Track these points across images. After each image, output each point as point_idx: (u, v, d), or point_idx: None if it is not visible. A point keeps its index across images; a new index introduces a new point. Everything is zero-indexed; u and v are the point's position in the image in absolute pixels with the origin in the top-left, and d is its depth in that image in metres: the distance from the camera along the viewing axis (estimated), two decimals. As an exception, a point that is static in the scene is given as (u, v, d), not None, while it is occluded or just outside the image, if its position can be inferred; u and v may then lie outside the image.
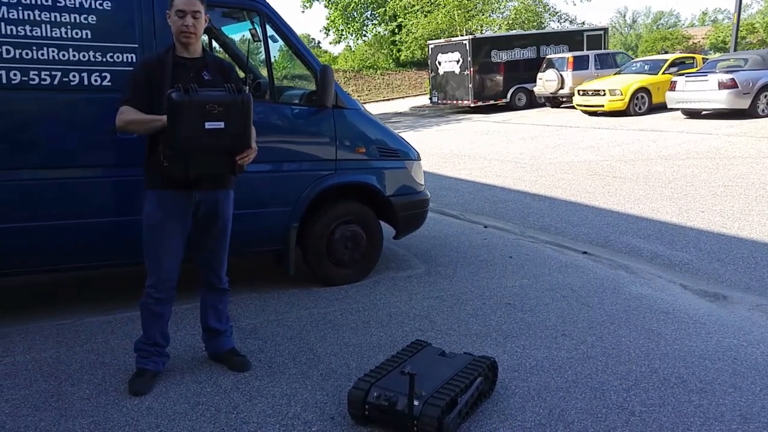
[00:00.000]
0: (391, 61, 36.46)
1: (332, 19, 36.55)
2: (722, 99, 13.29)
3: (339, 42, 37.80)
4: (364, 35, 37.79)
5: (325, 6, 36.71)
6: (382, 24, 36.14)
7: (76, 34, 3.49)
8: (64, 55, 3.48)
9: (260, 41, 4.53)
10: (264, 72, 4.33)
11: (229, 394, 2.97)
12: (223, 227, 3.11)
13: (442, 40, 22.87)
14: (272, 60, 4.13)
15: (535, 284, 4.51)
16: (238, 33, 4.64)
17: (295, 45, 4.18)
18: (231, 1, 4.13)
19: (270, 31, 4.08)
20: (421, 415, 2.48)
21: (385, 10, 33.52)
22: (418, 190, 4.82)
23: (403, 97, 30.02)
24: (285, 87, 4.65)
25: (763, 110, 13.37)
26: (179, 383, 3.08)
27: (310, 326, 3.80)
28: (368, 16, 36.73)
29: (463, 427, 2.62)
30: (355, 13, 36.19)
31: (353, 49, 39.48)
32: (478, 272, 4.83)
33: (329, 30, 37.03)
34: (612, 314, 3.89)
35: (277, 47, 4.37)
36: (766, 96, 13.37)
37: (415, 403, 2.51)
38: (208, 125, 2.71)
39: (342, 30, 36.59)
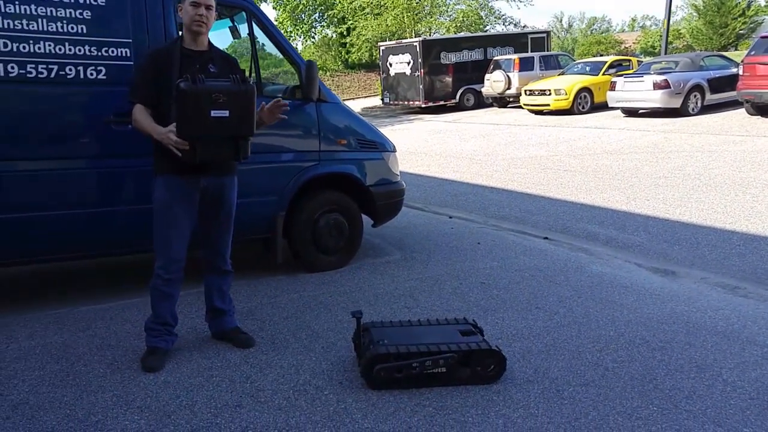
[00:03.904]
0: (340, 62, 36.61)
1: (281, 21, 36.47)
2: (657, 98, 14.02)
3: (288, 44, 37.73)
4: (313, 37, 37.87)
5: (274, 8, 36.63)
6: (331, 26, 36.28)
7: (72, 28, 3.59)
8: (60, 49, 3.57)
9: (240, 38, 4.68)
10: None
11: (240, 367, 3.15)
12: (229, 211, 3.28)
13: (393, 42, 23.17)
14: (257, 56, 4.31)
15: (504, 266, 4.84)
16: (218, 30, 4.78)
17: (280, 42, 4.36)
18: None
19: (255, 29, 4.25)
20: (362, 356, 2.96)
21: (334, 12, 33.71)
22: (395, 180, 5.09)
23: (353, 98, 30.23)
24: (267, 82, 4.82)
25: (692, 109, 14.12)
26: (189, 360, 3.23)
27: (304, 307, 4.00)
28: (316, 18, 36.84)
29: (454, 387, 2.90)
30: (303, 16, 36.23)
31: (301, 51, 39.48)
32: (450, 257, 5.13)
33: (278, 32, 36.97)
34: (578, 289, 4.25)
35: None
36: (695, 96, 14.13)
37: (371, 347, 2.92)
38: (213, 113, 2.89)
39: (291, 32, 36.56)
